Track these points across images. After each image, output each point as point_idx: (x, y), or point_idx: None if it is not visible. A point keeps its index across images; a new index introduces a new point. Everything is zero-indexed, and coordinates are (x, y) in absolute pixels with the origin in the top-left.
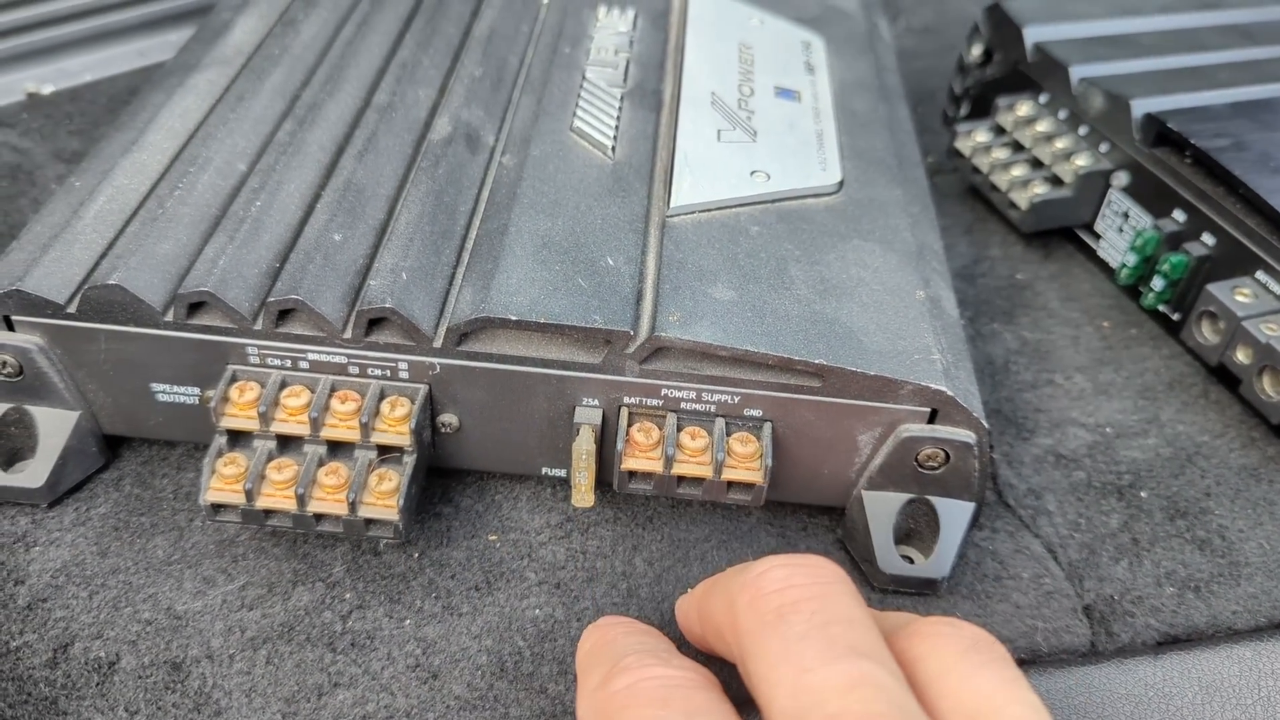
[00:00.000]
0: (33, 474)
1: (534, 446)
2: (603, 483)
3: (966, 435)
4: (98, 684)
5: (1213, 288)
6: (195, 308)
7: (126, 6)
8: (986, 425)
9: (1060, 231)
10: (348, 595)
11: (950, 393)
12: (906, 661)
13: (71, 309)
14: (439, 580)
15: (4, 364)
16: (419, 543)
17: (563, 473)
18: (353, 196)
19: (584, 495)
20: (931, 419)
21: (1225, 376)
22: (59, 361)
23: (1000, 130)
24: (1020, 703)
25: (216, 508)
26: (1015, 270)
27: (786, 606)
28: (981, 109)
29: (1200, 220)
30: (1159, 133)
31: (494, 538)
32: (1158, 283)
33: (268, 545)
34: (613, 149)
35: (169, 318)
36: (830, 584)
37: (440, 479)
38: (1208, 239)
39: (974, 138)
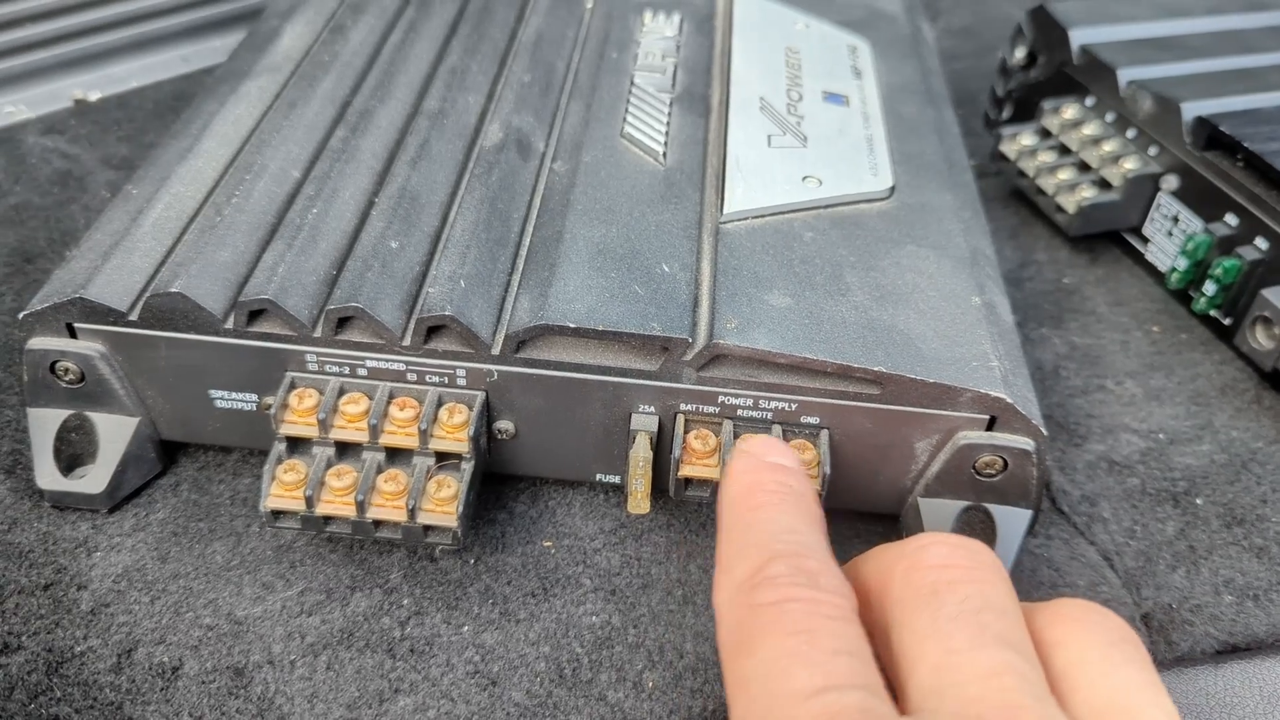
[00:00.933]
0: (94, 480)
1: (589, 453)
2: (657, 490)
3: (1025, 442)
4: (162, 689)
5: (1268, 293)
6: (255, 315)
7: (170, 13)
8: (1045, 432)
9: (1106, 235)
10: (405, 601)
11: (1010, 400)
12: (1045, 643)
13: (133, 316)
14: (495, 586)
15: (66, 371)
16: (474, 549)
17: (616, 479)
18: (408, 204)
19: (640, 502)
20: (990, 426)
21: (1279, 382)
22: (120, 368)
23: (1046, 133)
24: (1157, 707)
25: (276, 514)
26: (1062, 274)
27: (942, 585)
28: (1025, 112)
29: (1253, 224)
30: (1210, 136)
31: (549, 544)
32: (1209, 287)
33: (324, 551)
34: (664, 155)
35: (229, 325)
36: (987, 571)
37: (494, 485)
38: (1261, 243)
39: (1019, 141)
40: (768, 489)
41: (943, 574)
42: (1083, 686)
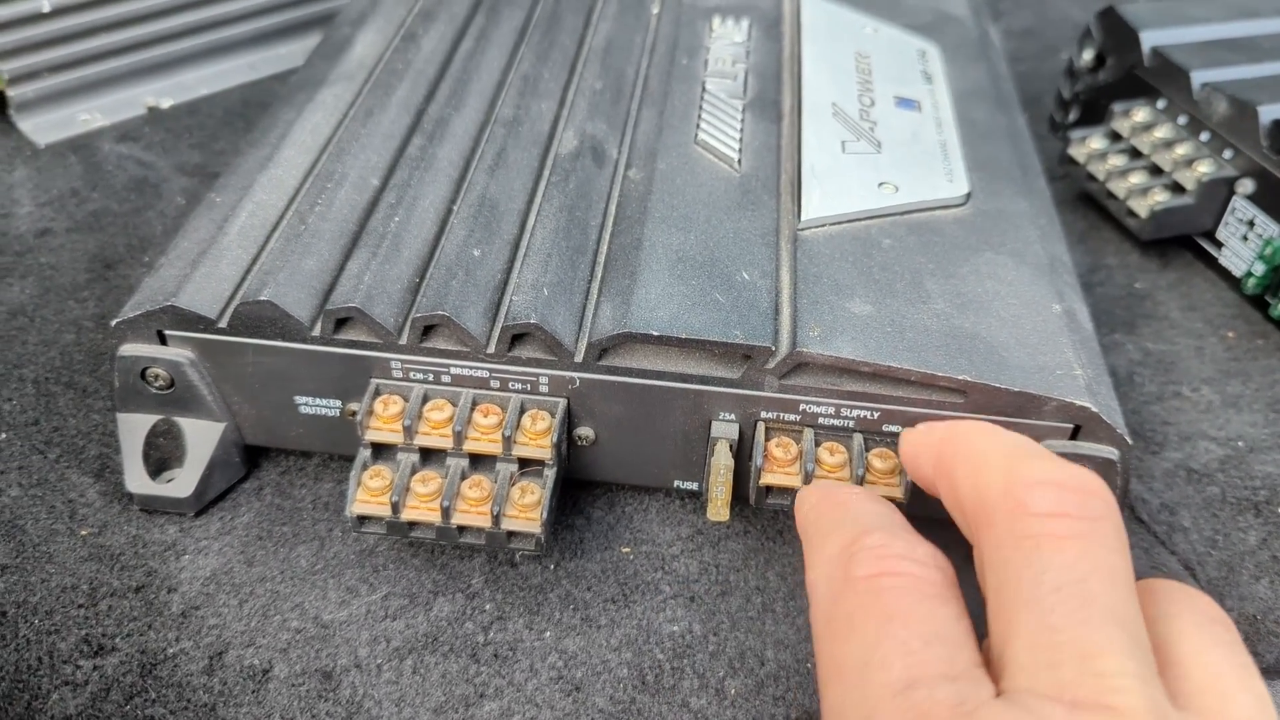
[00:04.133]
0: (181, 484)
1: (668, 460)
2: (737, 497)
3: (1110, 451)
4: (253, 691)
5: None
6: (341, 323)
7: (238, 21)
8: (1129, 441)
9: (1178, 239)
10: (488, 606)
11: (1095, 409)
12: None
13: (222, 324)
14: (575, 592)
15: (156, 377)
16: (554, 554)
17: (694, 486)
18: (488, 211)
19: (720, 510)
20: (1073, 435)
21: None
22: (208, 374)
23: (1116, 136)
24: (1251, 692)
25: (362, 519)
26: (1133, 279)
27: (1046, 540)
28: (1092, 114)
29: None
30: None
31: (627, 550)
32: None
33: (406, 556)
34: (739, 161)
35: (316, 332)
36: (1099, 520)
37: (570, 490)
38: None
39: (1089, 144)
40: (846, 490)
41: (1048, 524)
42: (1178, 662)
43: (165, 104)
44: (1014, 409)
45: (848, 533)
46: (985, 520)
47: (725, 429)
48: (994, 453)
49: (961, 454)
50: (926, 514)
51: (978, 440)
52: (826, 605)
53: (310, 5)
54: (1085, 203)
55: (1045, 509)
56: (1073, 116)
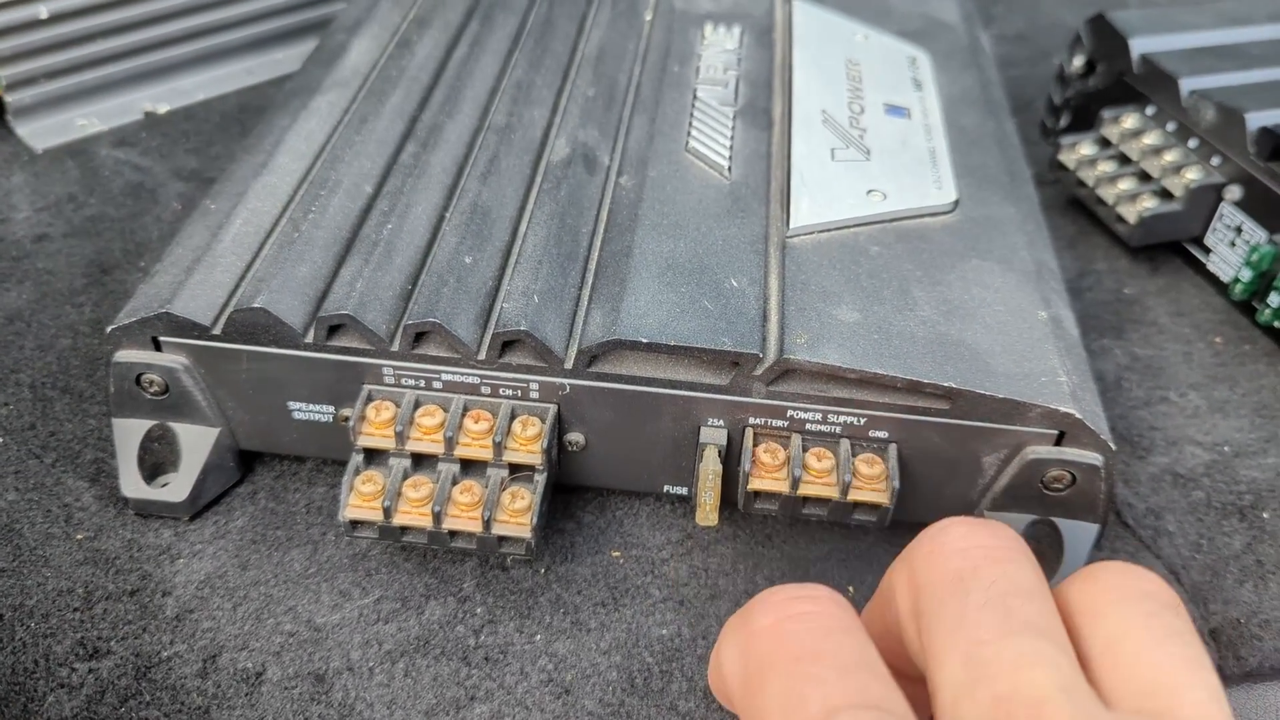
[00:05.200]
0: (176, 488)
1: (658, 465)
2: (726, 502)
3: (1094, 458)
4: (247, 694)
5: None
6: (334, 330)
7: (235, 28)
8: (1114, 447)
9: (1167, 245)
10: (479, 610)
11: (1079, 415)
12: (1083, 613)
13: (216, 330)
14: (566, 596)
15: (151, 383)
16: (544, 558)
17: (684, 490)
18: (479, 219)
19: (709, 515)
20: (1058, 441)
21: None
22: (202, 380)
23: (1105, 143)
24: (1200, 686)
25: (354, 524)
26: (1122, 285)
27: (967, 571)
28: (1082, 120)
29: None
30: (1275, 146)
31: (617, 554)
32: (1274, 299)
33: (399, 559)
34: (729, 169)
35: (309, 339)
36: (1010, 550)
37: (561, 495)
38: None
39: (1078, 150)
40: None
41: (967, 557)
42: (1122, 664)
43: (162, 109)
44: (998, 415)
45: (745, 607)
46: (911, 574)
47: (714, 435)
48: (910, 550)
49: (895, 570)
50: (912, 519)
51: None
52: (739, 669)
53: (306, 11)
54: (1075, 208)
55: (960, 544)
56: (1064, 122)
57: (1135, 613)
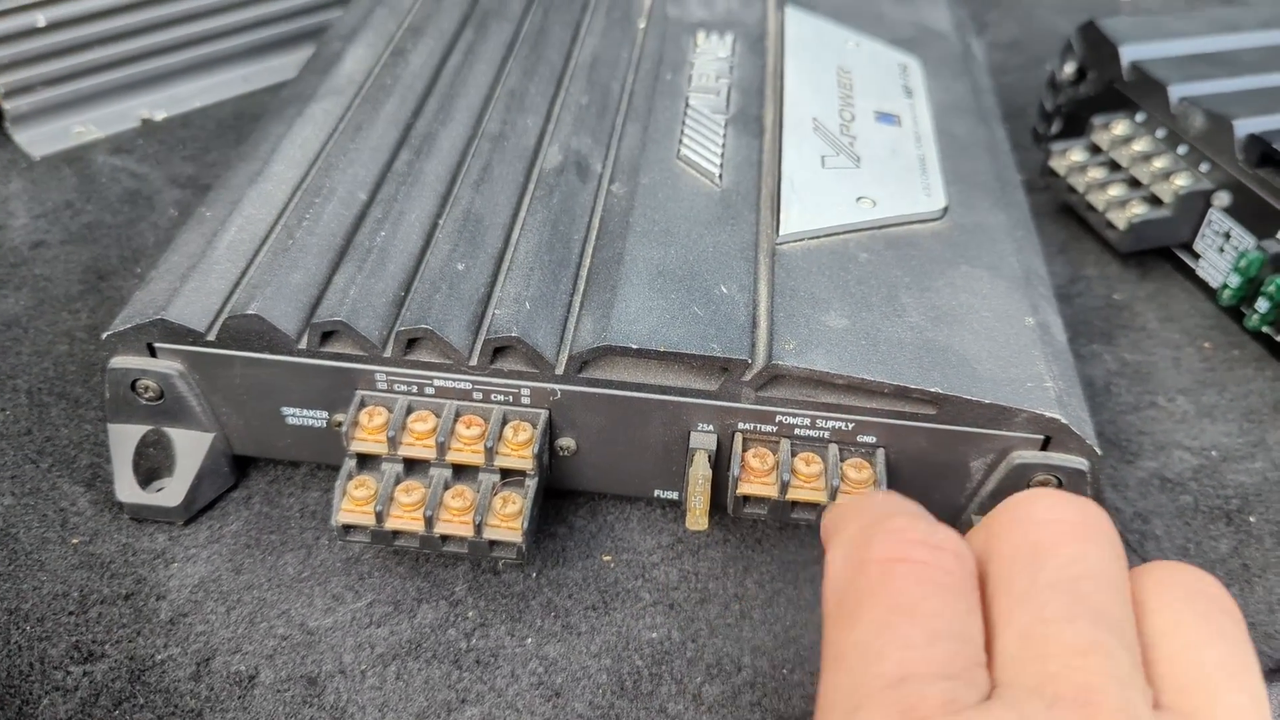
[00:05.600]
0: (171, 493)
1: (648, 469)
2: (716, 507)
3: (1079, 462)
4: (239, 697)
5: None
6: (327, 336)
7: (232, 35)
8: (1100, 452)
9: (1157, 251)
10: (470, 614)
11: (1065, 421)
12: (1138, 604)
13: (211, 337)
14: (557, 599)
15: (146, 389)
16: (536, 562)
17: (674, 495)
18: (472, 226)
19: (699, 519)
20: (1044, 446)
21: None
22: (197, 386)
23: (1096, 149)
24: (1243, 691)
25: (347, 529)
26: (1112, 290)
27: (1045, 543)
28: (1074, 127)
29: None
30: (1263, 153)
31: (608, 558)
32: (1262, 304)
33: (391, 564)
34: (720, 176)
35: (302, 345)
36: (1094, 530)
37: (553, 499)
38: None
39: (1069, 157)
40: (868, 497)
41: (1046, 530)
42: (1169, 658)
43: (159, 116)
44: (985, 421)
45: (869, 515)
46: (989, 538)
47: (703, 440)
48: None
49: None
50: None
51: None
52: (839, 585)
53: (302, 19)
54: (1066, 214)
55: (1044, 516)
56: (1055, 129)
57: (1190, 611)
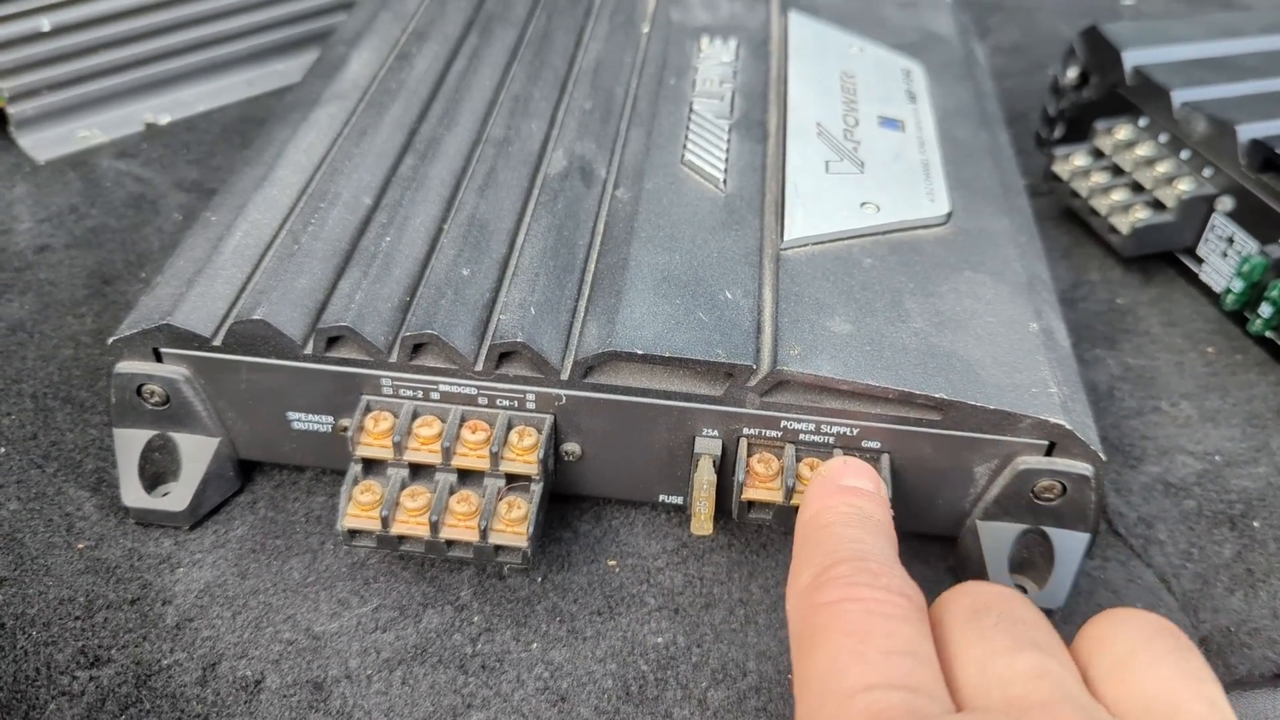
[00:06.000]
0: (176, 498)
1: (653, 475)
2: (720, 512)
3: (1084, 468)
4: (246, 702)
5: None
6: (333, 341)
7: (236, 39)
8: (1104, 458)
9: (1160, 255)
10: (475, 618)
11: (1069, 426)
12: (1091, 639)
13: (217, 342)
14: (562, 604)
15: (152, 393)
16: (541, 567)
17: (679, 500)
18: (477, 231)
19: (703, 524)
20: (1048, 451)
21: None
22: (202, 391)
23: (1099, 154)
24: (1202, 699)
25: (353, 533)
26: (1115, 295)
27: (981, 605)
28: (1077, 131)
29: None
30: (1266, 158)
31: (613, 563)
32: (1265, 309)
33: (397, 569)
34: (724, 181)
35: (308, 350)
36: (1019, 599)
37: (558, 504)
38: None
39: (1072, 161)
40: (837, 510)
41: (979, 598)
42: (1125, 680)
43: (164, 120)
44: (989, 426)
45: (820, 563)
46: (934, 618)
47: (708, 445)
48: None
49: None
50: (905, 529)
51: None
52: (796, 630)
53: (307, 23)
54: (1069, 219)
55: (975, 592)
56: (1058, 133)
57: (1138, 636)
